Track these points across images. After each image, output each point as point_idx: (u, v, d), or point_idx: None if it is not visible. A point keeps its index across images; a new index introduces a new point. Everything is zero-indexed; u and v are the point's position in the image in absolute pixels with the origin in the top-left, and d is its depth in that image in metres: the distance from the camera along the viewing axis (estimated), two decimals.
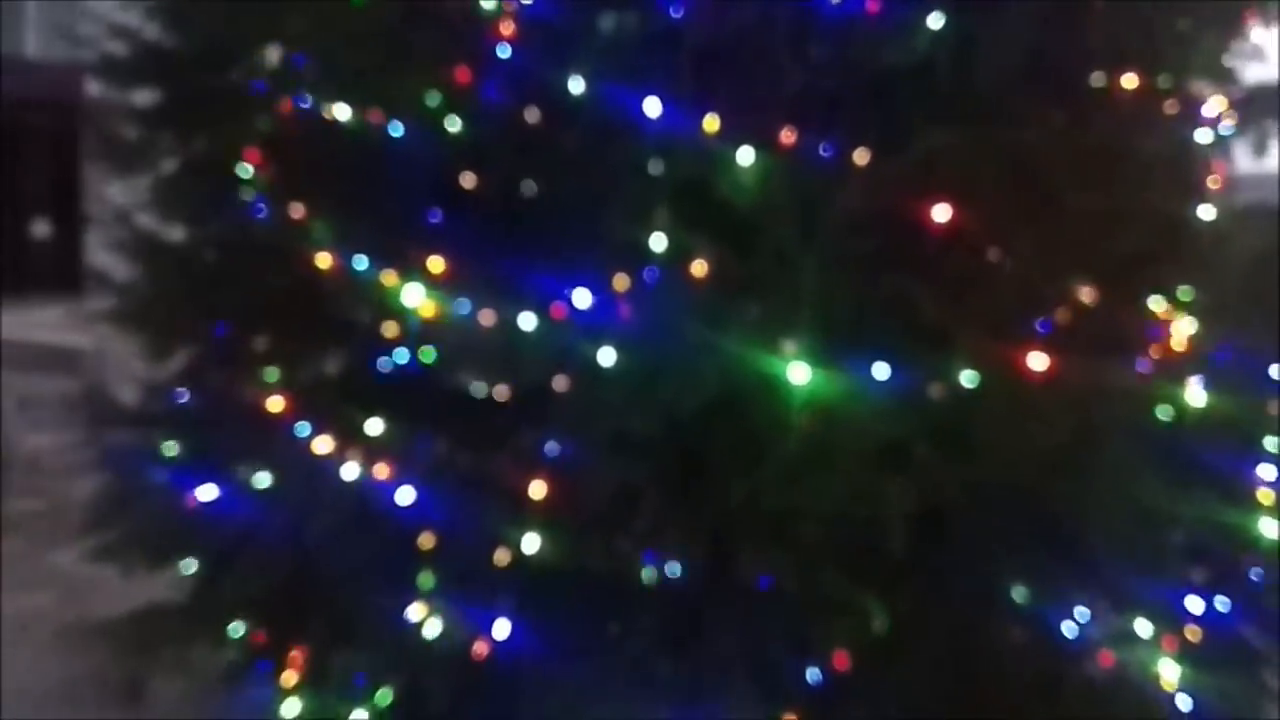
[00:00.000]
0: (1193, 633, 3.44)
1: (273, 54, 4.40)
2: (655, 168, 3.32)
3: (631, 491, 3.15)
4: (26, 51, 13.64)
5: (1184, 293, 3.44)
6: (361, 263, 3.91)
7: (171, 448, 4.35)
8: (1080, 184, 3.08)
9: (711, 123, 3.27)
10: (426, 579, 3.70)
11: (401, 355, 3.98)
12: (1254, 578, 3.62)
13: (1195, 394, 3.39)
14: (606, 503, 3.14)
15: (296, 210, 4.08)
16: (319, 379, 4.26)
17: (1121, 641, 3.35)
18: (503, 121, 3.47)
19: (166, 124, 4.51)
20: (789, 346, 3.15)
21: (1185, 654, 3.37)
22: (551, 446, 3.26)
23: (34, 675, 5.44)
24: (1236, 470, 3.51)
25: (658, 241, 3.28)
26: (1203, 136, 3.62)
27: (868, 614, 3.17)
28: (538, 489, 3.21)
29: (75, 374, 8.21)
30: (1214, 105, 3.62)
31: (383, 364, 3.99)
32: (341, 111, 4.00)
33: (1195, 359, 3.40)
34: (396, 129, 3.83)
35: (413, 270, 3.74)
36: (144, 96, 4.59)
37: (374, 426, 3.97)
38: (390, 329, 3.88)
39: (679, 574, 3.12)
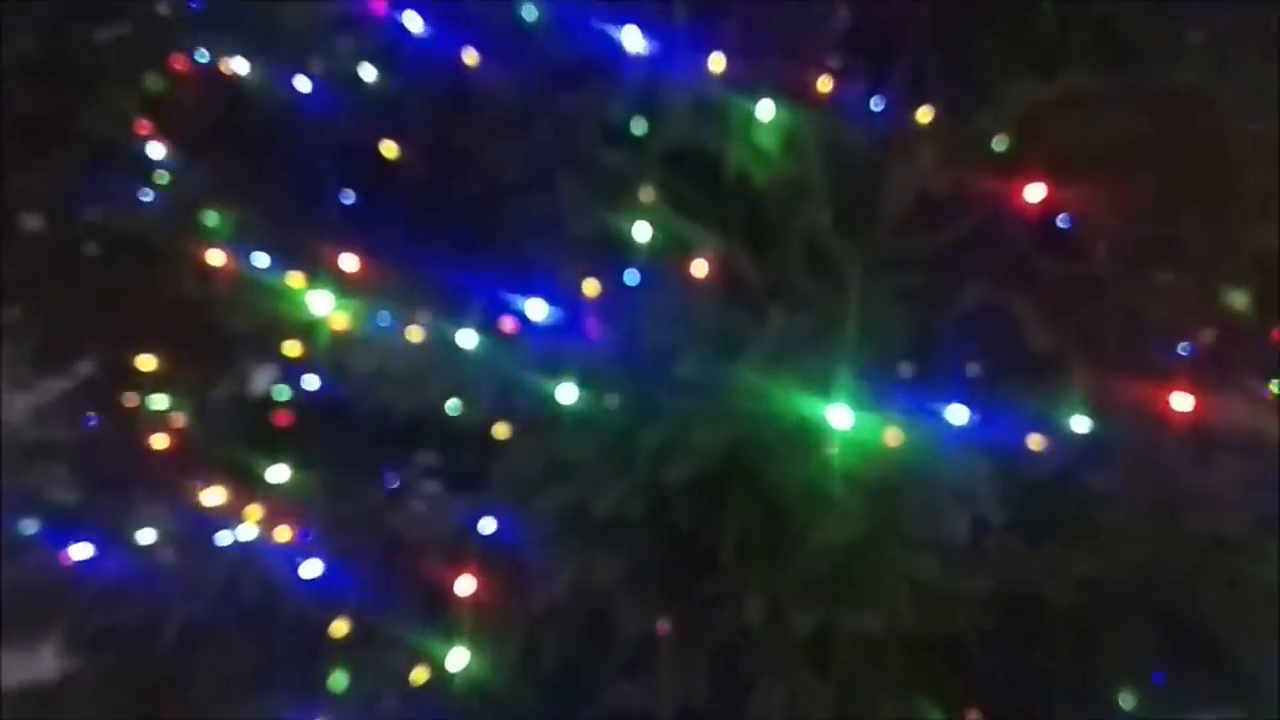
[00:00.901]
0: None
1: None
2: (639, 127, 2.37)
3: (599, 595, 2.19)
4: None
5: None
6: (261, 261, 3.00)
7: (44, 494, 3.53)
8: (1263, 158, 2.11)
9: (717, 63, 2.31)
10: (339, 679, 2.80)
11: (311, 382, 3.06)
12: None
13: None
14: (564, 609, 2.19)
15: (191, 194, 3.20)
16: (215, 410, 3.35)
17: None
18: (431, 67, 2.53)
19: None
20: (827, 381, 2.19)
21: None
22: (486, 523, 2.30)
23: None
24: None
25: (641, 231, 2.33)
26: None
27: None
28: (465, 584, 2.25)
29: None
30: None
31: (284, 392, 3.08)
32: (240, 65, 3.08)
33: None
34: (302, 84, 2.89)
35: (320, 271, 2.82)
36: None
37: (277, 474, 3.07)
38: (293, 348, 2.95)
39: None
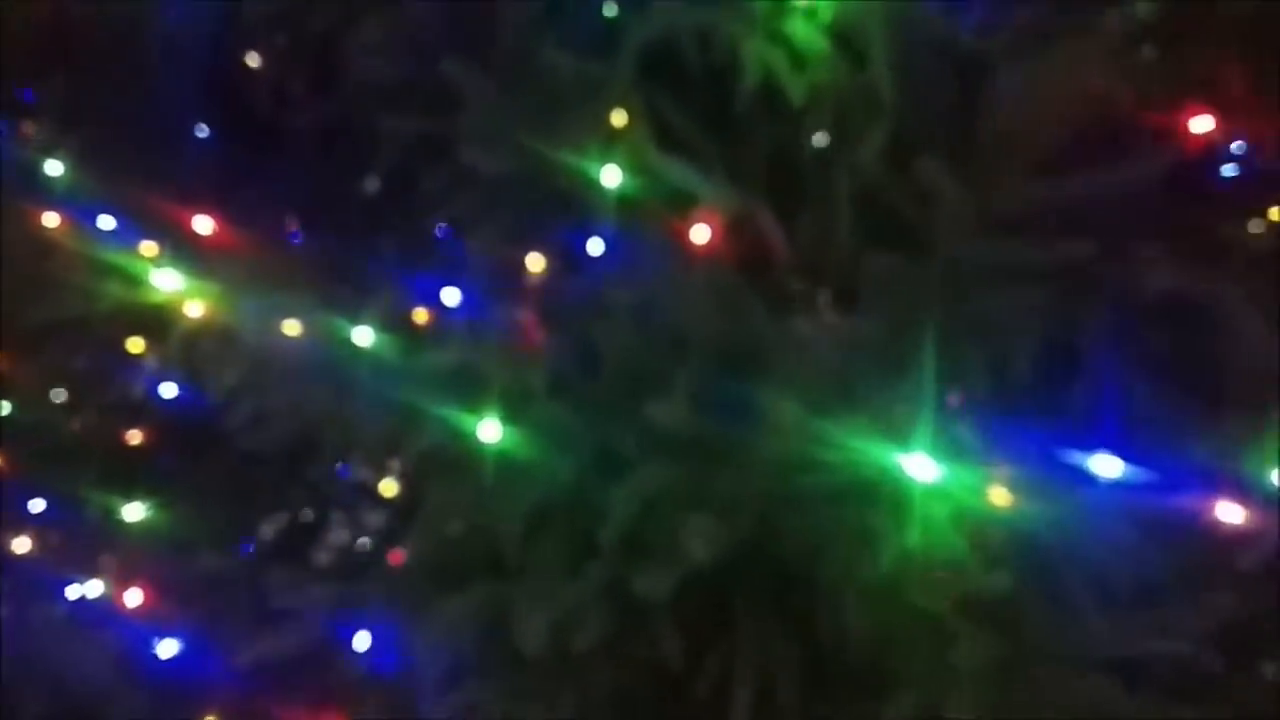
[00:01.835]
0: None
1: None
2: (608, 7, 1.53)
3: None
4: None
5: None
6: (107, 224, 2.23)
7: None
8: None
9: None
10: None
11: (169, 389, 2.24)
12: None
13: None
14: None
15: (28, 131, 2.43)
16: (59, 424, 2.52)
17: None
18: None
19: None
20: (902, 415, 1.35)
21: None
22: (361, 638, 1.47)
23: None
24: None
25: (610, 176, 1.49)
26: None
27: None
28: None
29: None
30: None
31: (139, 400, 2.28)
32: None
33: None
34: None
35: (170, 238, 2.02)
36: None
37: (133, 513, 2.30)
38: (136, 343, 2.13)
39: None
